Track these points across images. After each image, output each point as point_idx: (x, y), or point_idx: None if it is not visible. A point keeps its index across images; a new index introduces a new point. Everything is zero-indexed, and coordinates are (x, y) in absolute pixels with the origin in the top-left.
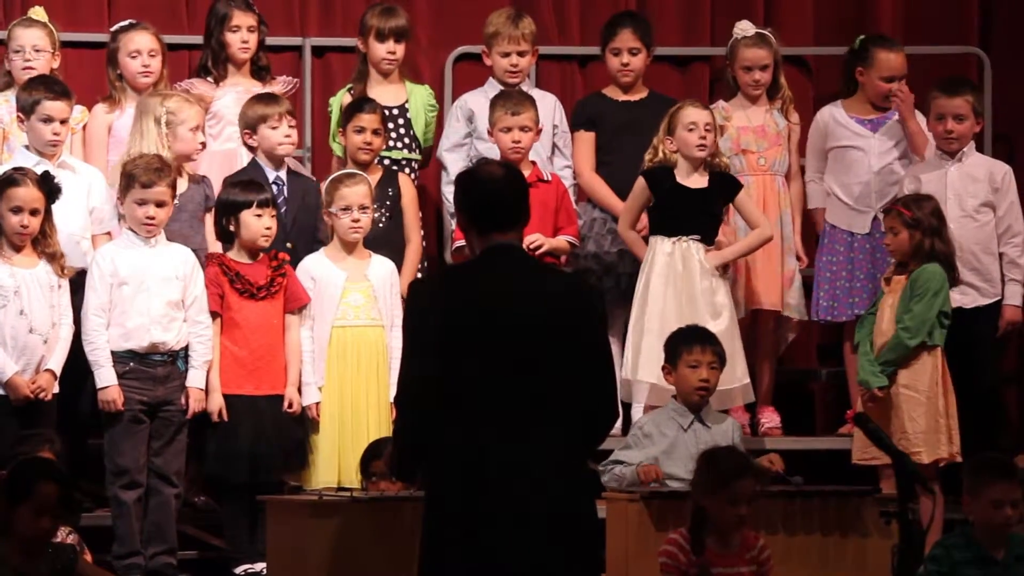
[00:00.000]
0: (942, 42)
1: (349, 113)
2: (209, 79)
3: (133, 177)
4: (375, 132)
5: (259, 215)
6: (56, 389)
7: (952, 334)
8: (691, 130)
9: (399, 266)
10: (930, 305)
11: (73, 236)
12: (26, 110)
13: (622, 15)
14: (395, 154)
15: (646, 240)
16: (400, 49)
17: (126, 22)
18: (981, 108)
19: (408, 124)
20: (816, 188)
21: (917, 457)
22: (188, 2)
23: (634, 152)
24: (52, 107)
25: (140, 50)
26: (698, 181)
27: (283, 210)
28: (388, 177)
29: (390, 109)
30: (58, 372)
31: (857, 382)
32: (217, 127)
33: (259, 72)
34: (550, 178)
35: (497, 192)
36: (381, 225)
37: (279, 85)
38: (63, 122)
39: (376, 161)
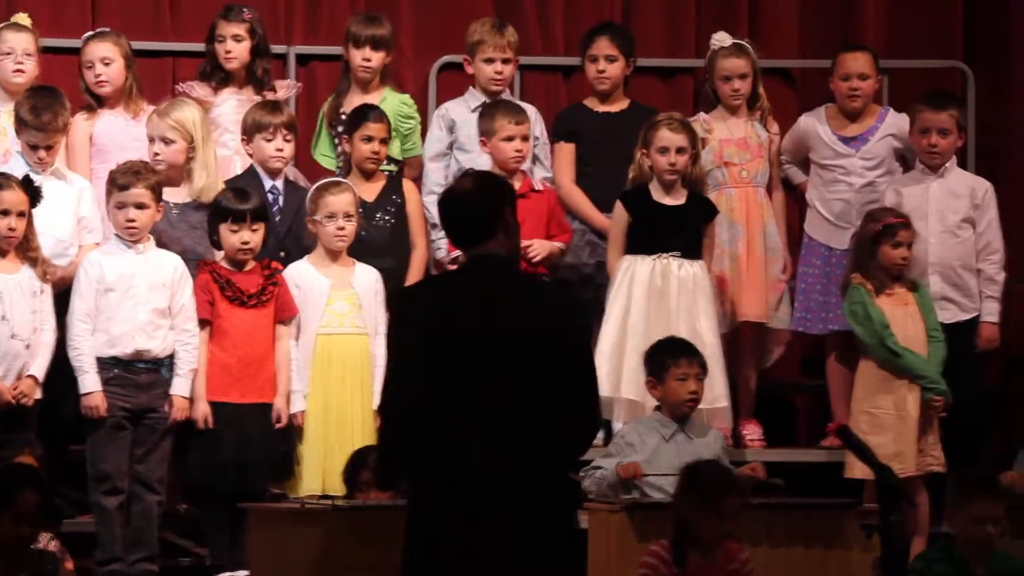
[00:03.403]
0: (926, 56)
1: (355, 122)
2: (211, 84)
3: (113, 181)
4: (382, 141)
5: (234, 230)
6: (39, 395)
7: None
8: (662, 153)
9: (405, 271)
10: None
11: (61, 243)
12: (19, 122)
13: (601, 24)
14: None
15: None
16: (377, 57)
17: (93, 31)
18: (965, 123)
19: None
20: (792, 169)
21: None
22: (173, 9)
23: (614, 163)
24: (35, 136)
25: (93, 60)
26: (676, 198)
27: (277, 219)
28: (393, 183)
29: None
30: (40, 378)
31: (938, 394)
32: (215, 133)
33: (255, 81)
34: (542, 188)
35: (466, 208)
36: (387, 229)
37: (282, 91)
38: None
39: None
